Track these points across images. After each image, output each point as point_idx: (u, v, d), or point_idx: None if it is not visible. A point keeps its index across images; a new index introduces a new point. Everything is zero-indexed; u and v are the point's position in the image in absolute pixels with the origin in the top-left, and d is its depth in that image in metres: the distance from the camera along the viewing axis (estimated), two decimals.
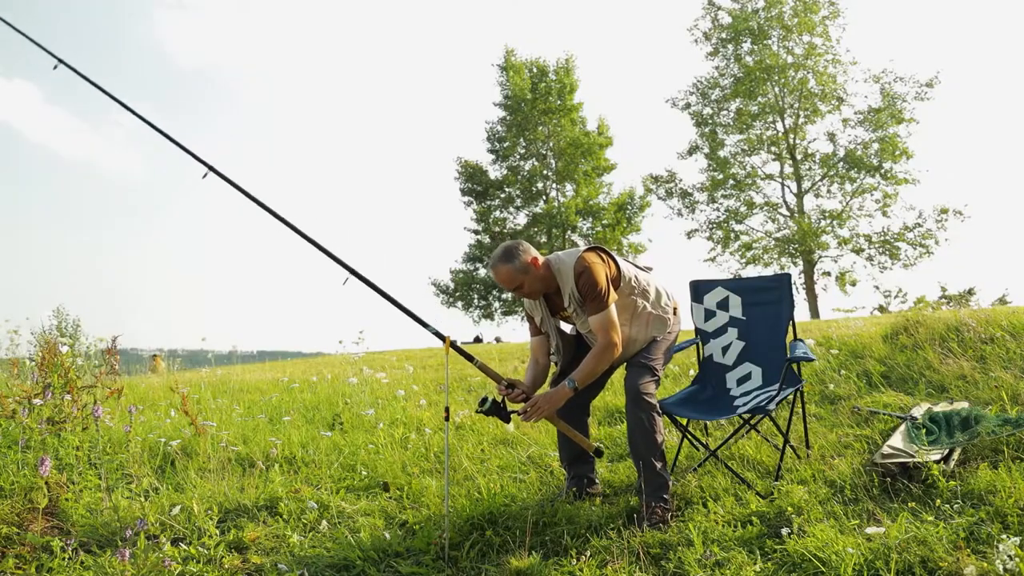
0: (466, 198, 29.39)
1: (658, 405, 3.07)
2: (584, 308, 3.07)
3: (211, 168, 3.27)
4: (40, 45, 3.67)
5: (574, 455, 3.32)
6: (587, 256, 3.06)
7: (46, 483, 3.39)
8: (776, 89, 24.18)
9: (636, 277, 3.21)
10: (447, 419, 2.88)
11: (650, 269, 3.38)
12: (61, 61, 3.59)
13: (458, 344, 2.99)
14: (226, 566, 2.76)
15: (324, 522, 3.16)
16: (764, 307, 3.84)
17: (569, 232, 28.41)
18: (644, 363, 3.14)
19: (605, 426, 4.62)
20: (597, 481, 3.36)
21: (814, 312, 23.23)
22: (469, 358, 3.04)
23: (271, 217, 3.19)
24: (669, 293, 3.38)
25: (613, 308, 3.05)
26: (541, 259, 3.14)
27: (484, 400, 2.99)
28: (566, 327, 3.35)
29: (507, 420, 3.05)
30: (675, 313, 3.37)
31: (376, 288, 3.09)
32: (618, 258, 3.20)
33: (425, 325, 3.05)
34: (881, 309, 20.53)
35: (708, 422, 4.18)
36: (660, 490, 2.97)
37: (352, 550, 2.81)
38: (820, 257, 23.70)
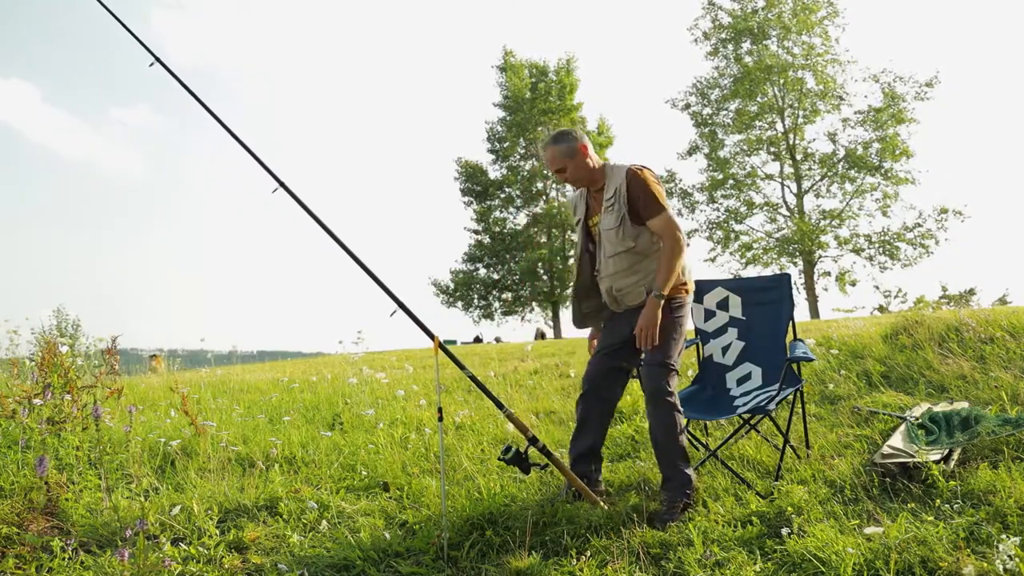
0: (466, 198, 29.44)
1: (679, 402, 3.05)
2: (637, 212, 3.07)
3: (281, 184, 3.25)
4: (140, 40, 3.64)
5: (578, 452, 3.31)
6: (643, 169, 3.12)
7: (46, 483, 3.39)
8: (776, 89, 24.19)
9: None
10: (440, 420, 2.91)
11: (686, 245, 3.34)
12: (157, 59, 3.58)
13: (445, 346, 3.00)
14: (226, 566, 2.76)
15: (324, 522, 3.16)
16: (764, 307, 3.84)
17: (569, 232, 28.42)
18: (661, 361, 3.08)
19: None
20: (600, 480, 3.36)
21: (814, 312, 23.23)
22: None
23: (326, 236, 3.15)
24: (689, 271, 3.28)
25: (671, 210, 3.08)
26: (590, 147, 3.17)
27: (508, 448, 3.04)
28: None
29: (527, 472, 3.09)
30: (686, 292, 3.25)
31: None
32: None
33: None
34: (881, 309, 20.52)
35: (708, 422, 4.18)
36: (684, 486, 2.98)
37: (352, 550, 2.81)
38: (820, 257, 23.71)
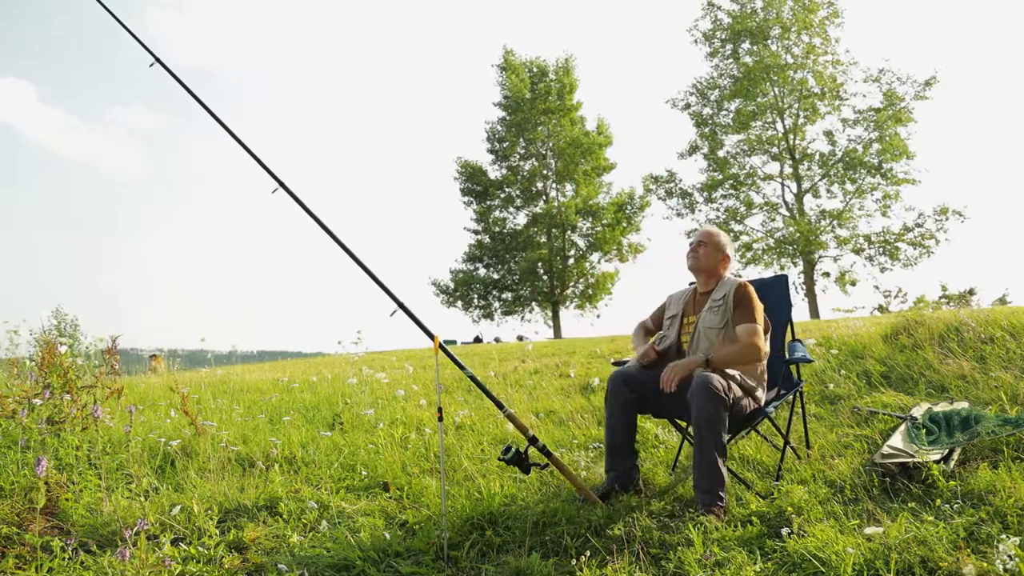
0: (466, 198, 29.42)
1: (727, 400, 3.04)
2: (732, 315, 3.34)
3: (281, 184, 3.25)
4: (140, 40, 3.64)
5: (615, 445, 3.32)
6: (750, 285, 3.44)
7: (46, 483, 3.39)
8: (775, 89, 24.18)
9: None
10: (440, 420, 2.91)
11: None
12: (158, 60, 3.59)
13: (446, 347, 2.99)
14: (226, 566, 2.75)
15: (324, 522, 3.16)
16: None
17: (569, 232, 28.41)
18: (724, 374, 3.16)
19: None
20: (638, 478, 3.35)
21: (814, 312, 23.23)
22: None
23: (324, 235, 3.16)
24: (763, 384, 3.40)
25: (760, 327, 3.28)
26: (730, 265, 3.59)
27: (508, 448, 3.05)
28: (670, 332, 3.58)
29: (527, 472, 3.10)
30: (761, 385, 3.37)
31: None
32: None
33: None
34: (881, 309, 20.52)
35: None
36: (718, 485, 2.95)
37: (352, 550, 2.81)
38: (820, 257, 23.70)
